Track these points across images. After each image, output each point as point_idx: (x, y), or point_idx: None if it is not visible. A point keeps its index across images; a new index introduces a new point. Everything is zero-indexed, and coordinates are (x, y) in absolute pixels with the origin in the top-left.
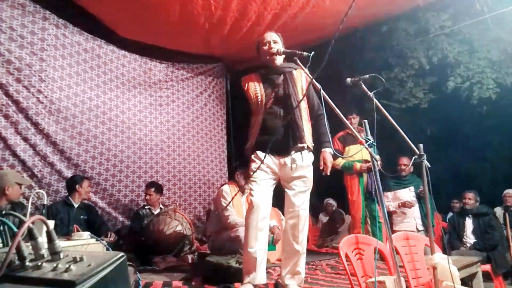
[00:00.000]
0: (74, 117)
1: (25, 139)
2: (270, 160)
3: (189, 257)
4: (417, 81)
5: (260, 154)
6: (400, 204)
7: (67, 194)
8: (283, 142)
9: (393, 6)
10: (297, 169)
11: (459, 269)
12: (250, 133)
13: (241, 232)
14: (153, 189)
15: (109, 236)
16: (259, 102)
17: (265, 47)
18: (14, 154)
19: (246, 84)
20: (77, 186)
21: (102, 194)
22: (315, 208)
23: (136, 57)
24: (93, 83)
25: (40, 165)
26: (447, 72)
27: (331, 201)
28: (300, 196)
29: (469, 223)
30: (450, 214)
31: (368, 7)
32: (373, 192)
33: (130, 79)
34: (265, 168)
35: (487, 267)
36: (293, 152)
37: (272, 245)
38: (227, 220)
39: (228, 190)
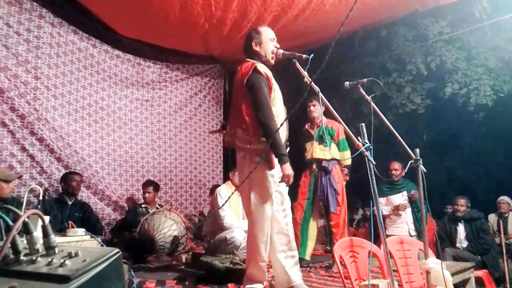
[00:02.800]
0: (69, 114)
1: (32, 133)
2: (277, 164)
3: (183, 256)
4: (415, 86)
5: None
6: (393, 208)
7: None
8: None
9: (392, 11)
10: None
11: (452, 275)
12: (275, 126)
13: (236, 233)
14: (151, 187)
15: (103, 234)
16: (273, 97)
17: (273, 43)
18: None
19: (264, 72)
20: (63, 184)
21: (99, 192)
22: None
23: (130, 57)
24: (86, 82)
25: (48, 161)
26: (445, 78)
27: None
28: (286, 193)
29: (461, 229)
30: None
31: (368, 11)
32: (320, 197)
33: (122, 79)
34: (277, 174)
35: (480, 273)
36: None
37: None
38: (222, 221)
39: (225, 190)
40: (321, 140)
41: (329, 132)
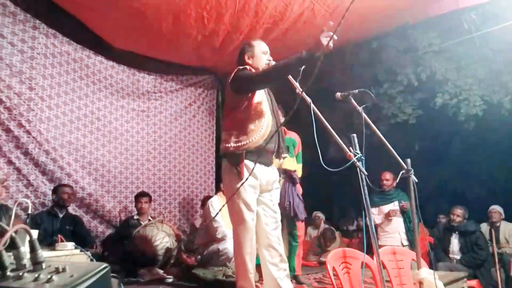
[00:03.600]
0: (64, 125)
1: (17, 147)
2: (263, 173)
3: (175, 269)
4: (406, 97)
5: (250, 164)
6: (385, 215)
7: (52, 204)
8: (273, 152)
9: (383, 23)
10: (276, 180)
11: (445, 285)
12: (242, 127)
13: (229, 245)
14: (147, 198)
15: (94, 247)
16: (258, 103)
17: (266, 56)
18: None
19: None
20: (54, 196)
21: (91, 205)
22: (304, 221)
23: (124, 68)
24: (81, 93)
25: (35, 174)
26: (435, 88)
27: (320, 214)
28: (277, 205)
29: (455, 240)
30: None
31: (359, 24)
32: (287, 207)
33: (118, 89)
34: (255, 183)
35: (473, 283)
36: (275, 161)
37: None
38: (216, 232)
39: (217, 201)
40: (287, 151)
41: (292, 143)
